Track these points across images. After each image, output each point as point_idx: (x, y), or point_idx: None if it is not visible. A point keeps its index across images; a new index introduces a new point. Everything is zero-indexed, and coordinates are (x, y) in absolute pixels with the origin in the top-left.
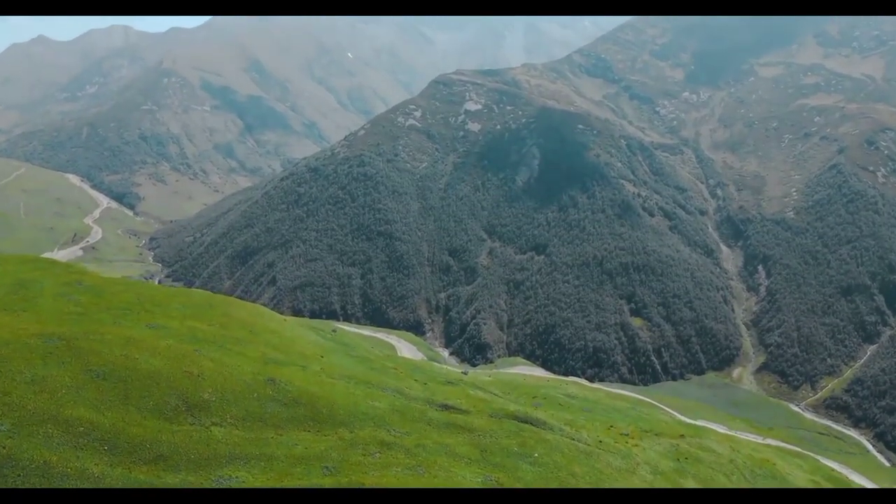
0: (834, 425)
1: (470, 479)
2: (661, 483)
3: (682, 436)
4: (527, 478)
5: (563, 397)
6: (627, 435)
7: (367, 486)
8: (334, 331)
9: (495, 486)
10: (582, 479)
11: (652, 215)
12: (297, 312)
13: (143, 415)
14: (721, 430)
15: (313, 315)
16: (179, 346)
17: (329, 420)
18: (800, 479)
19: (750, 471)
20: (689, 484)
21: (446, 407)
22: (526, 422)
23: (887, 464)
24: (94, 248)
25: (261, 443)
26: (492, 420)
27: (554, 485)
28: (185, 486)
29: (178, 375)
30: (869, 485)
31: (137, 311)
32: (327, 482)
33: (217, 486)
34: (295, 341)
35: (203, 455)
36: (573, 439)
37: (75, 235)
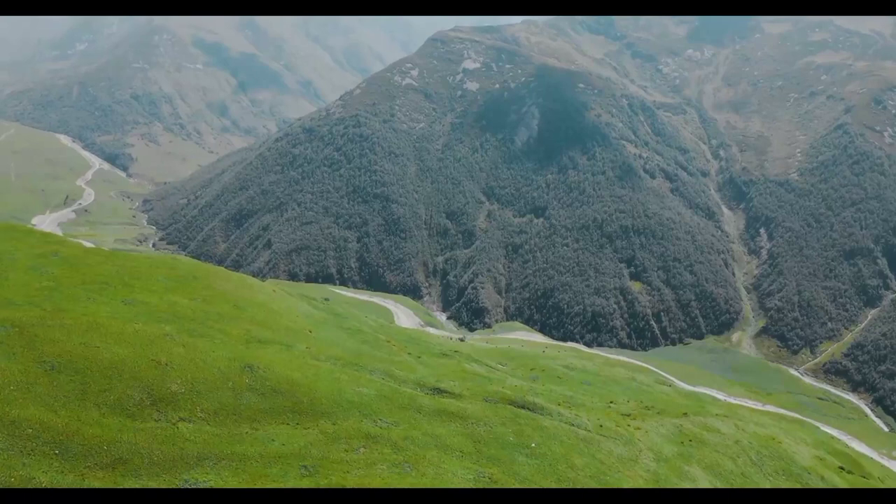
0: (833, 390)
1: (461, 475)
2: (665, 471)
3: (685, 414)
4: (523, 472)
5: (562, 369)
6: (629, 416)
7: (348, 487)
8: (327, 299)
9: (488, 483)
10: (582, 471)
11: (653, 177)
12: (292, 276)
13: (101, 412)
14: (720, 396)
15: (309, 279)
16: (149, 330)
17: (310, 411)
18: (805, 456)
19: (756, 452)
20: (695, 470)
21: (438, 391)
22: (523, 407)
23: (886, 429)
24: (86, 210)
25: (234, 440)
26: (486, 405)
27: (552, 479)
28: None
29: (144, 365)
30: (869, 452)
31: (115, 285)
32: (305, 484)
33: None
34: (282, 315)
35: (168, 456)
36: (572, 425)
37: (67, 198)
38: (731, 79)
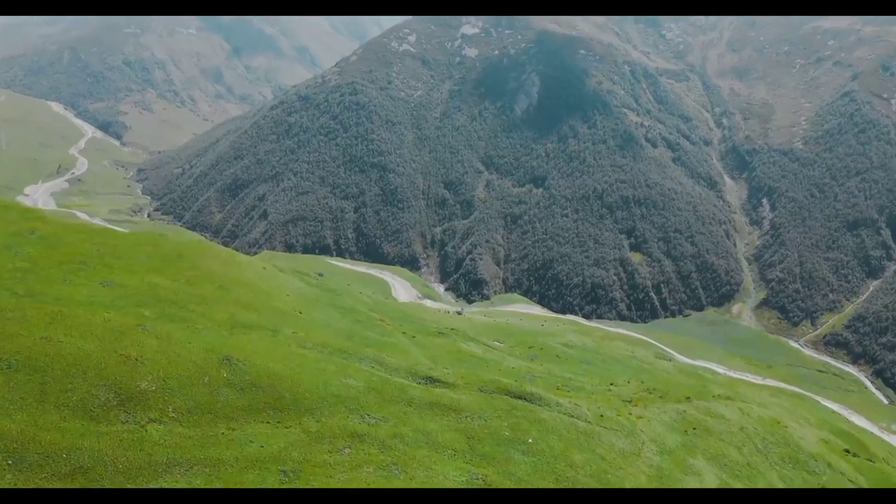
0: (833, 362)
1: (453, 477)
2: (668, 465)
3: (688, 398)
4: (519, 472)
5: (561, 347)
6: (630, 402)
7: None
8: (321, 274)
9: (481, 486)
10: (581, 469)
11: (655, 146)
12: (289, 247)
13: (62, 415)
14: (720, 370)
15: (306, 250)
16: (120, 320)
17: (293, 407)
18: (810, 440)
19: (761, 439)
20: (699, 462)
21: (431, 380)
22: (519, 397)
23: (885, 401)
24: (80, 180)
25: (208, 442)
26: (481, 396)
27: (549, 480)
28: None
29: (112, 361)
30: (869, 426)
31: (94, 265)
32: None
33: None
34: (271, 295)
35: (134, 463)
36: (571, 416)
37: (60, 167)
38: (735, 44)
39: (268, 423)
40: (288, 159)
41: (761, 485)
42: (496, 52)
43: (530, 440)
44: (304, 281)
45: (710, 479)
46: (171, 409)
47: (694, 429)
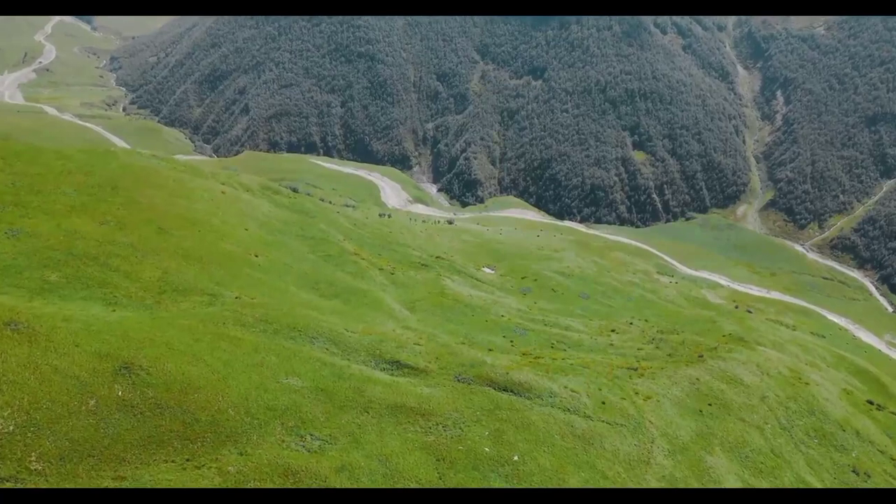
0: (838, 267)
1: None
2: (682, 471)
3: (700, 357)
4: None
5: (557, 277)
6: (636, 371)
7: None
8: (296, 190)
9: None
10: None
11: (664, 32)
12: (273, 146)
13: None
14: (724, 281)
15: (291, 148)
16: None
17: (210, 433)
18: (833, 396)
19: (784, 408)
20: (718, 461)
21: (397, 366)
22: (504, 389)
23: (890, 309)
24: (48, 70)
25: None
26: (458, 390)
27: None
28: None
29: None
30: (875, 342)
31: (5, 206)
32: None
33: None
34: (224, 234)
35: None
36: (567, 410)
37: (26, 55)
38: None
39: (173, 462)
40: (269, 48)
41: (787, 479)
42: None
43: (516, 458)
44: (273, 202)
45: (730, 483)
46: (33, 458)
47: (710, 405)
